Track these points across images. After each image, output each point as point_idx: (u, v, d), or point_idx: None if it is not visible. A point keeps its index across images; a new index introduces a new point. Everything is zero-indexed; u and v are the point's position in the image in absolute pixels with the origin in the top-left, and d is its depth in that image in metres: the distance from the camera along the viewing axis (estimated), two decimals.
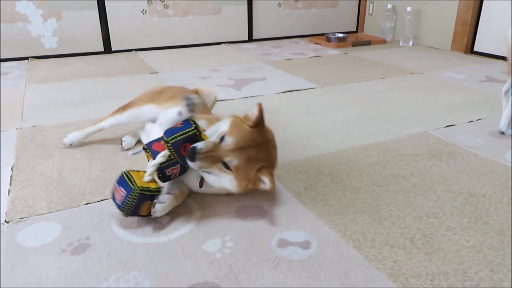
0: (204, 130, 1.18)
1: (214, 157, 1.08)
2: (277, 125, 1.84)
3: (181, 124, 1.13)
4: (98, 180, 1.36)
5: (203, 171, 1.13)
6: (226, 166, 1.09)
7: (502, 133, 1.71)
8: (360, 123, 1.86)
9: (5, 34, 3.03)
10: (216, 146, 1.09)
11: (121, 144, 1.60)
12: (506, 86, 1.77)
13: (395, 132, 1.75)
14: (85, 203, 1.22)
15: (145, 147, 1.16)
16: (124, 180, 1.08)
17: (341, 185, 1.33)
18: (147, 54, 3.35)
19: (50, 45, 3.18)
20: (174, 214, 1.16)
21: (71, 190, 1.29)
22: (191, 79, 2.56)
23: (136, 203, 1.05)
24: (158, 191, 1.10)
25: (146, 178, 1.10)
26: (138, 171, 1.13)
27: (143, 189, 1.06)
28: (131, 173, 1.10)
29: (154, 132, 1.42)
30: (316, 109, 2.05)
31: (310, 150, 1.57)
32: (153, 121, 1.51)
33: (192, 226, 1.11)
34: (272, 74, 2.72)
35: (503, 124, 1.72)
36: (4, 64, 3.00)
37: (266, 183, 1.11)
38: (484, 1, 3.15)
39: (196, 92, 1.63)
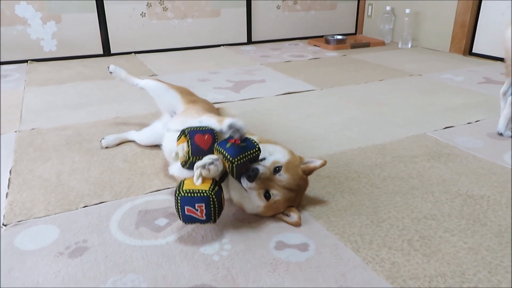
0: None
1: (265, 184, 1.08)
2: (276, 127, 1.84)
3: (243, 142, 1.05)
4: (96, 182, 1.36)
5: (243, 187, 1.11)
6: (266, 194, 1.09)
7: (501, 134, 1.71)
8: (359, 125, 1.86)
9: (5, 37, 3.04)
10: (271, 174, 1.09)
11: (100, 142, 1.63)
12: (504, 87, 1.77)
13: (394, 134, 1.75)
14: (83, 206, 1.22)
15: (187, 133, 1.10)
16: (191, 197, 1.00)
17: (339, 187, 1.33)
18: (147, 56, 3.36)
19: (50, 48, 3.19)
20: (172, 217, 1.16)
21: (69, 193, 1.29)
22: (190, 82, 2.56)
23: (219, 203, 1.02)
24: (217, 183, 1.05)
25: (198, 182, 1.02)
26: (182, 183, 1.04)
27: (213, 189, 1.00)
28: (186, 188, 1.01)
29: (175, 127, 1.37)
30: (315, 111, 2.05)
31: (309, 152, 1.57)
32: (172, 113, 1.54)
33: (190, 228, 1.11)
34: (271, 76, 2.73)
35: (501, 126, 1.72)
36: (3, 67, 3.01)
37: (293, 217, 1.13)
38: (482, 3, 3.16)
39: (218, 109, 1.68)
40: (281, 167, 1.10)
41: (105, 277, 0.93)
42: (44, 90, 2.43)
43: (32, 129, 1.83)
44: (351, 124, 1.87)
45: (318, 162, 1.17)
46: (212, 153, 1.07)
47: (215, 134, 1.11)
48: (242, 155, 1.02)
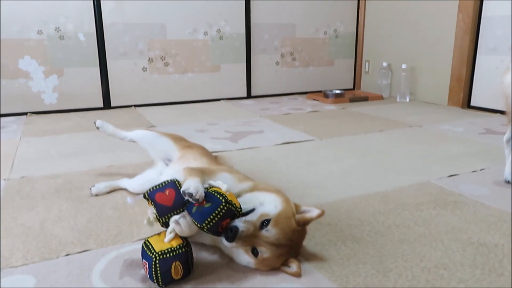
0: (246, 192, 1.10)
1: (249, 241, 1.00)
2: (273, 175, 1.78)
3: (207, 203, 0.96)
4: (82, 230, 1.27)
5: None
6: (254, 251, 1.01)
7: (508, 182, 1.65)
8: (359, 173, 1.80)
9: (5, 90, 3.07)
10: (256, 230, 0.99)
11: (90, 189, 1.55)
12: (507, 135, 1.73)
13: (396, 182, 1.68)
14: (65, 254, 1.13)
15: (147, 195, 1.03)
16: (144, 250, 0.98)
17: (341, 235, 1.24)
18: (146, 109, 3.37)
19: (50, 101, 3.22)
20: None
21: (51, 241, 1.20)
22: (188, 132, 2.54)
23: (162, 270, 0.94)
24: (181, 247, 0.97)
25: (167, 238, 0.97)
26: (159, 233, 1.01)
27: (162, 253, 0.94)
28: (149, 240, 0.99)
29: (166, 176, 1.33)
30: (314, 160, 2.00)
31: (308, 199, 1.50)
32: (167, 160, 1.49)
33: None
34: (269, 127, 2.71)
35: (507, 173, 1.66)
36: (2, 119, 3.01)
37: (293, 268, 1.03)
38: (477, 57, 3.22)
39: (216, 157, 1.61)
40: (269, 221, 0.99)
41: None
42: (40, 140, 2.40)
43: (22, 177, 1.77)
44: (351, 172, 1.81)
45: (315, 212, 1.07)
46: (180, 206, 0.99)
47: (178, 185, 1.02)
48: (210, 217, 0.94)
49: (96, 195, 1.55)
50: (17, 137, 2.47)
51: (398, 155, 2.07)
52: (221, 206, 0.95)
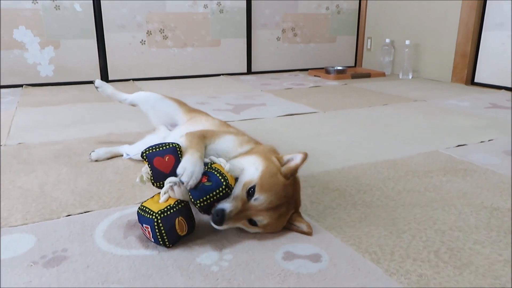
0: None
1: (242, 217, 0.94)
2: (279, 145, 1.73)
3: (208, 180, 0.91)
4: (83, 193, 1.23)
5: None
6: (252, 222, 0.96)
7: None
8: (366, 143, 1.76)
9: (1, 61, 2.98)
10: (245, 203, 0.93)
11: (90, 154, 1.50)
12: None
13: (404, 151, 1.65)
14: (66, 215, 1.09)
15: (145, 156, 0.97)
16: (141, 215, 0.92)
17: (350, 199, 1.20)
18: (145, 84, 3.30)
19: (46, 73, 3.14)
20: None
21: (51, 203, 1.16)
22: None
23: (166, 228, 0.90)
24: (179, 203, 0.93)
25: (162, 199, 0.93)
26: (152, 196, 0.97)
27: (162, 211, 0.90)
28: (144, 204, 0.94)
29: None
30: (319, 131, 1.95)
31: (315, 167, 1.46)
32: (169, 126, 1.44)
33: (186, 238, 0.98)
34: (271, 101, 2.66)
35: None
36: None
37: (304, 229, 1.00)
38: (482, 33, 3.16)
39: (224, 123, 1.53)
40: (254, 187, 0.93)
41: None
42: (37, 111, 2.34)
43: (19, 143, 1.71)
44: (358, 142, 1.77)
45: (298, 158, 0.99)
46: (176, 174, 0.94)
47: (179, 152, 0.97)
48: (207, 196, 0.89)
49: (96, 160, 1.50)
50: (13, 107, 2.41)
51: (404, 126, 2.03)
52: (221, 189, 0.90)
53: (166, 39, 3.46)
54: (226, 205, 0.91)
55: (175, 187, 0.92)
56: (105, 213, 1.10)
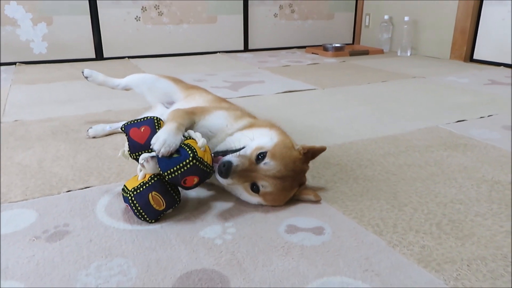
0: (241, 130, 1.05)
1: (247, 176, 0.93)
2: (278, 122, 1.72)
3: (177, 153, 0.90)
4: (83, 169, 1.22)
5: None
6: (254, 188, 0.95)
7: None
8: (366, 119, 1.75)
9: None
10: (252, 164, 0.93)
11: (87, 131, 1.48)
12: None
13: (404, 127, 1.64)
14: (66, 190, 1.08)
15: (123, 128, 0.99)
16: (123, 194, 0.94)
17: (352, 174, 1.20)
18: (140, 61, 3.25)
19: (39, 50, 3.08)
20: None
21: (51, 179, 1.15)
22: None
23: (141, 205, 0.90)
24: (152, 178, 0.92)
25: (140, 176, 0.93)
26: (135, 175, 0.96)
27: (135, 189, 0.90)
28: (125, 184, 0.94)
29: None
30: (318, 107, 1.94)
31: (315, 143, 1.43)
32: (167, 104, 1.43)
33: (188, 212, 0.98)
34: (269, 78, 2.63)
35: None
36: None
37: (312, 198, 1.02)
38: (482, 8, 3.12)
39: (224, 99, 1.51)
40: (265, 153, 0.93)
41: (88, 262, 0.79)
42: (32, 88, 2.30)
43: (15, 120, 1.69)
44: (358, 118, 1.76)
45: (316, 146, 1.03)
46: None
47: (157, 123, 0.97)
48: (174, 168, 0.88)
49: (94, 137, 1.49)
50: (7, 85, 2.37)
51: (403, 103, 2.02)
52: (187, 161, 0.89)
53: (161, 15, 3.39)
54: (234, 159, 0.92)
55: (145, 163, 0.92)
56: (105, 189, 1.09)
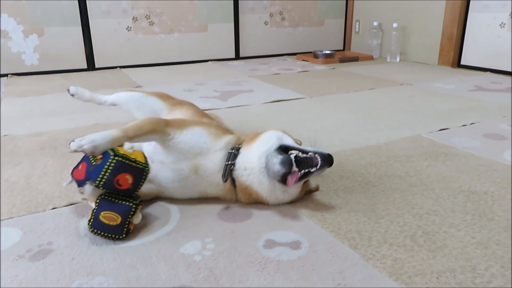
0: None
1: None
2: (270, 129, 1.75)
3: (101, 159, 0.94)
4: (69, 185, 1.24)
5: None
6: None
7: None
8: (351, 128, 1.78)
9: None
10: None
11: (69, 145, 1.49)
12: None
13: (388, 135, 1.67)
14: (52, 207, 1.10)
15: (71, 174, 1.03)
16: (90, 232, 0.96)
17: (333, 185, 1.23)
18: (132, 71, 3.28)
19: (31, 61, 3.10)
20: (150, 217, 1.05)
21: (37, 195, 1.17)
22: (176, 92, 2.47)
23: (99, 229, 0.94)
24: (97, 200, 0.96)
25: (92, 206, 0.97)
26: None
27: (89, 220, 0.95)
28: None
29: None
30: (305, 116, 1.97)
31: None
32: None
33: (169, 229, 1.00)
34: (259, 86, 2.66)
35: None
36: None
37: (313, 185, 1.18)
38: (468, 15, 3.17)
39: (207, 115, 1.53)
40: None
41: (70, 280, 0.81)
42: (22, 101, 2.33)
43: (5, 135, 1.71)
44: (343, 127, 1.79)
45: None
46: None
47: (90, 158, 0.99)
48: (102, 172, 0.91)
49: (75, 151, 1.49)
50: None
51: (389, 111, 2.05)
52: (110, 160, 0.92)
53: (152, 25, 3.42)
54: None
55: (82, 189, 0.96)
56: (89, 205, 1.11)
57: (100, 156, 0.95)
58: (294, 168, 1.00)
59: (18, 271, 0.84)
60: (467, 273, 0.82)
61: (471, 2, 3.13)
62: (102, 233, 0.94)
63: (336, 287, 0.79)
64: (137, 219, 0.96)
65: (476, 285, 0.79)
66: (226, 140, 1.10)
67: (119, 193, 0.96)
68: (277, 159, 1.01)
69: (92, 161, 0.97)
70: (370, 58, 3.81)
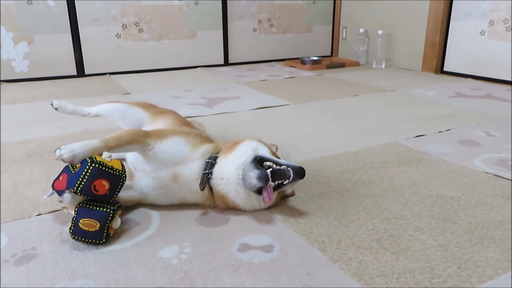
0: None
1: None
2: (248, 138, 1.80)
3: (79, 167, 0.99)
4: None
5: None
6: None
7: None
8: (332, 135, 1.84)
9: None
10: None
11: (55, 152, 1.53)
12: None
13: (366, 142, 1.74)
14: (37, 214, 1.15)
15: (52, 185, 1.06)
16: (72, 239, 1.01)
17: (308, 191, 1.29)
18: (122, 77, 3.32)
19: (21, 68, 3.13)
20: (131, 222, 1.10)
21: (23, 202, 1.22)
22: (163, 99, 2.53)
23: (82, 236, 0.99)
24: (75, 208, 1.01)
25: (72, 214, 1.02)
26: None
27: (70, 227, 0.99)
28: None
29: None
30: (289, 123, 2.03)
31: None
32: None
33: (149, 233, 1.05)
34: (246, 93, 2.72)
35: None
36: None
37: (289, 191, 1.22)
38: (450, 23, 3.26)
39: (189, 123, 1.58)
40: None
41: (52, 284, 0.86)
42: (11, 108, 2.36)
43: None
44: (324, 134, 1.85)
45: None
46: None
47: (71, 167, 1.04)
48: (79, 179, 0.96)
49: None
50: None
51: (370, 117, 2.12)
52: (87, 167, 0.97)
53: (141, 32, 3.47)
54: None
55: (60, 198, 1.00)
56: (70, 213, 1.16)
57: (79, 165, 1.00)
58: (270, 183, 1.05)
59: (3, 275, 0.89)
60: (425, 274, 0.88)
61: (452, 10, 3.22)
62: (83, 239, 0.98)
63: (303, 287, 0.84)
64: (116, 224, 1.01)
65: (433, 285, 0.85)
66: (204, 149, 1.15)
67: (97, 199, 1.00)
68: (253, 173, 1.05)
69: (72, 170, 1.02)
70: (357, 64, 3.89)
